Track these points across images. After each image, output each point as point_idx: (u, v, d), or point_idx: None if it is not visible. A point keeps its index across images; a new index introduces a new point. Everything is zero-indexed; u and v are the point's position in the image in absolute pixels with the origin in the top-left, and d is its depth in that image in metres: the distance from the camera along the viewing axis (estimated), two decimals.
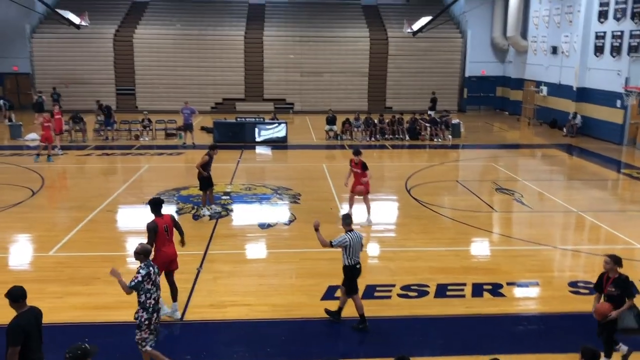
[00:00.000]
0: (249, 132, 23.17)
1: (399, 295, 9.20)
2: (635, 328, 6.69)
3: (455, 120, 25.48)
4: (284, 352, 7.61)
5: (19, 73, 33.31)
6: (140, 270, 6.51)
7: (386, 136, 24.30)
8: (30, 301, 8.56)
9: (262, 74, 33.95)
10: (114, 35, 33.39)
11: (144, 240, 11.74)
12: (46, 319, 8.12)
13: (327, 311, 8.36)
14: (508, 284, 9.71)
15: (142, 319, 6.50)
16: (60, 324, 8.06)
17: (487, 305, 8.93)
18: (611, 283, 6.86)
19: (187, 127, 22.35)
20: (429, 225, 12.91)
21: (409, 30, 32.14)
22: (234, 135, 22.92)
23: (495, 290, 9.46)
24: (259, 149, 22.42)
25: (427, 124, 24.52)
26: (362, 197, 12.81)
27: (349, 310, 8.24)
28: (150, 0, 36.44)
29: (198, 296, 9.02)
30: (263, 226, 12.63)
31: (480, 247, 11.85)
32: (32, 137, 23.01)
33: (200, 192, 13.58)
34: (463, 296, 9.23)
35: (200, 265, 10.17)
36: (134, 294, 6.55)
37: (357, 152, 12.74)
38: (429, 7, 35.06)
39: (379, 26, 35.75)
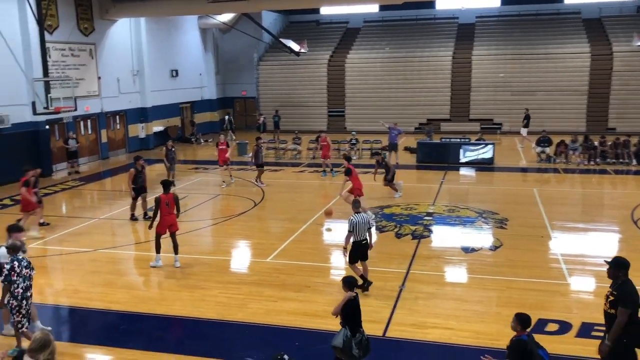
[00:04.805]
0: (453, 153, 22.83)
1: None
2: (339, 348, 6.63)
3: None
4: None
5: (246, 97, 37.56)
6: (6, 265, 7.60)
7: (608, 160, 22.05)
8: (249, 302, 9.56)
9: (469, 93, 33.30)
10: (328, 61, 35.71)
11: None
12: (262, 320, 8.97)
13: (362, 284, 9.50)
14: None
15: (13, 305, 7.62)
16: (274, 326, 8.77)
17: None
18: None
19: (392, 146, 22.81)
20: None
21: None
22: (438, 156, 22.79)
23: None
24: (463, 171, 21.94)
25: None
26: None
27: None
28: (363, 25, 38.25)
29: (400, 314, 9.09)
30: (466, 250, 12.29)
31: None
32: None
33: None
34: None
35: (403, 284, 10.25)
36: None
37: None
38: None
39: (602, 40, 32.73)
